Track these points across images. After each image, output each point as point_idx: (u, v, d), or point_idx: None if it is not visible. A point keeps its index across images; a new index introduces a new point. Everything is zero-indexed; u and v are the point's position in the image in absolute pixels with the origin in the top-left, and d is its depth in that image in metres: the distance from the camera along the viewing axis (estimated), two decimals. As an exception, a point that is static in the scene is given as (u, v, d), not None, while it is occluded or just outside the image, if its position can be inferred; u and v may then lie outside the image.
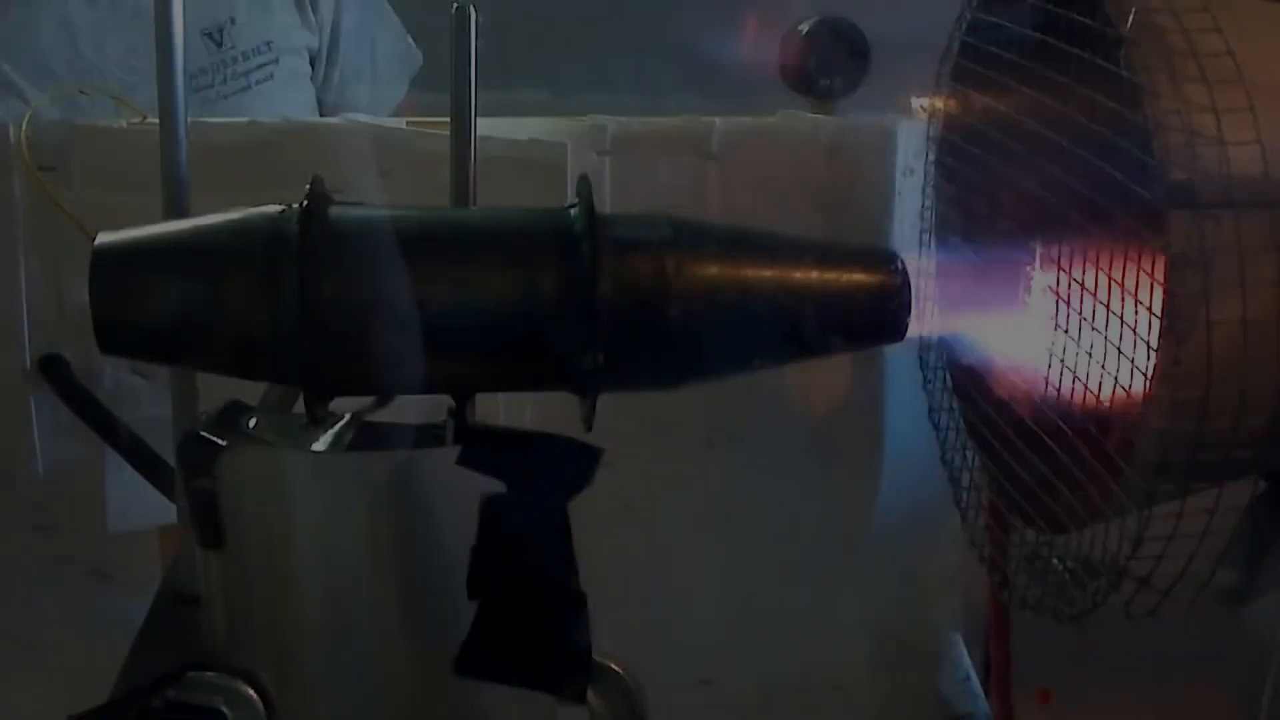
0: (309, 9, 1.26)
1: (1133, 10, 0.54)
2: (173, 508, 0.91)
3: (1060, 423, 0.64)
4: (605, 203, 0.93)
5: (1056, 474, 0.66)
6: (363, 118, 0.88)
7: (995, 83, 0.72)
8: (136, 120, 0.85)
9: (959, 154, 0.77)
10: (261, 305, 0.56)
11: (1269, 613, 0.72)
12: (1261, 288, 0.52)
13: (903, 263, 0.63)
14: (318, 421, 0.62)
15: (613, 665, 0.70)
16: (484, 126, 0.90)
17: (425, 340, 0.58)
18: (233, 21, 1.17)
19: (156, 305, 0.57)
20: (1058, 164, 0.63)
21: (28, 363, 0.88)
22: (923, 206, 0.81)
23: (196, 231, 0.58)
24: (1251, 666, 0.87)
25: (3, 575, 0.91)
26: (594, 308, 0.57)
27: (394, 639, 0.65)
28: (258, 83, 1.20)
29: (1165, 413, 0.53)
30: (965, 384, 0.78)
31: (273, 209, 0.59)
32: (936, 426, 0.82)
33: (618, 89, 0.94)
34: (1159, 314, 0.53)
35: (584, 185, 0.61)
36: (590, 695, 0.67)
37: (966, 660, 1.05)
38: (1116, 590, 0.60)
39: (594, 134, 0.90)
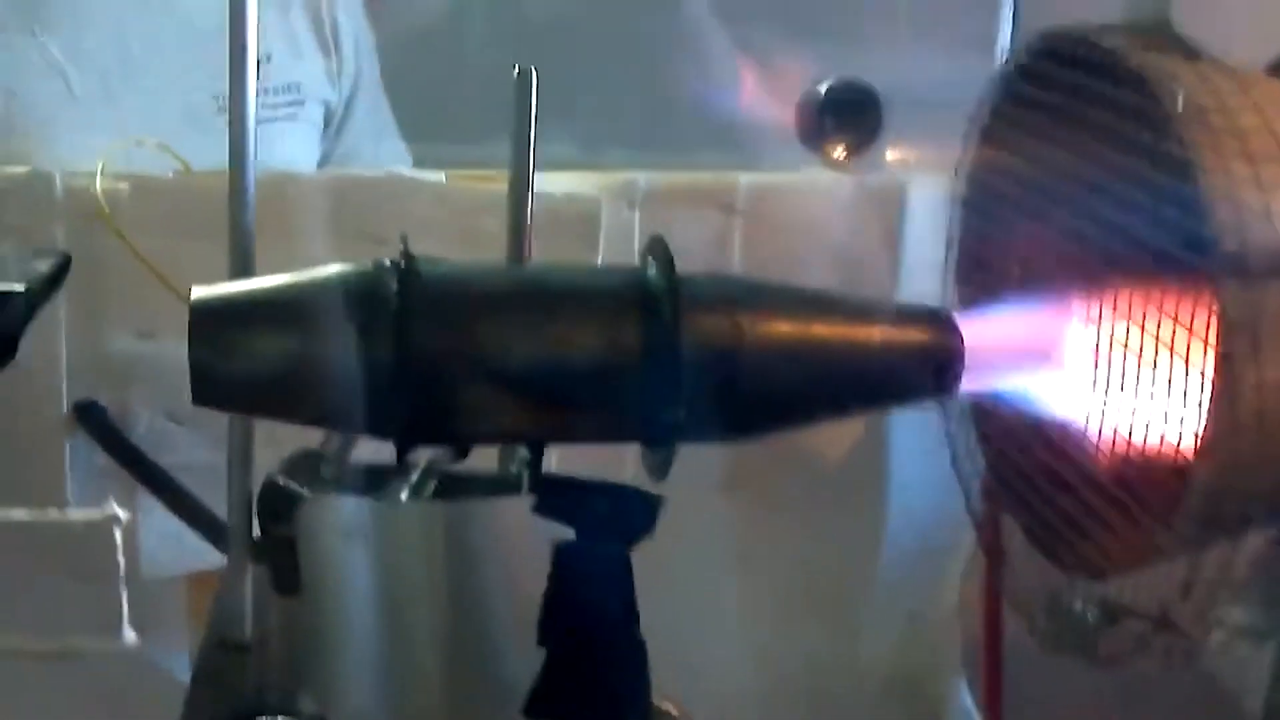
0: (334, 59, 1.30)
1: (1181, 91, 0.59)
2: (205, 553, 0.92)
3: (1097, 474, 0.68)
4: (635, 255, 0.97)
5: (1091, 521, 0.70)
6: (398, 170, 0.90)
7: (1025, 146, 0.76)
8: (180, 170, 0.87)
9: (984, 213, 0.81)
10: (359, 360, 0.59)
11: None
12: (1305, 351, 0.56)
13: (956, 322, 0.67)
14: (403, 471, 0.64)
15: (670, 708, 0.72)
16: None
17: (513, 393, 0.61)
18: (269, 59, 1.21)
19: (255, 359, 0.59)
20: (1098, 228, 0.67)
21: (65, 408, 0.89)
22: (945, 263, 0.85)
23: (293, 287, 0.60)
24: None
25: (36, 619, 0.91)
26: (676, 363, 0.60)
27: (461, 682, 0.67)
28: (282, 119, 1.24)
29: (1215, 469, 0.57)
30: (988, 433, 0.82)
31: (366, 265, 0.61)
32: (960, 475, 0.86)
33: (641, 144, 0.98)
34: (1211, 376, 0.57)
35: (659, 244, 0.64)
36: (649, 738, 0.70)
37: (970, 703, 1.08)
38: (1160, 635, 0.63)
39: (625, 189, 0.93)
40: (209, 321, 0.59)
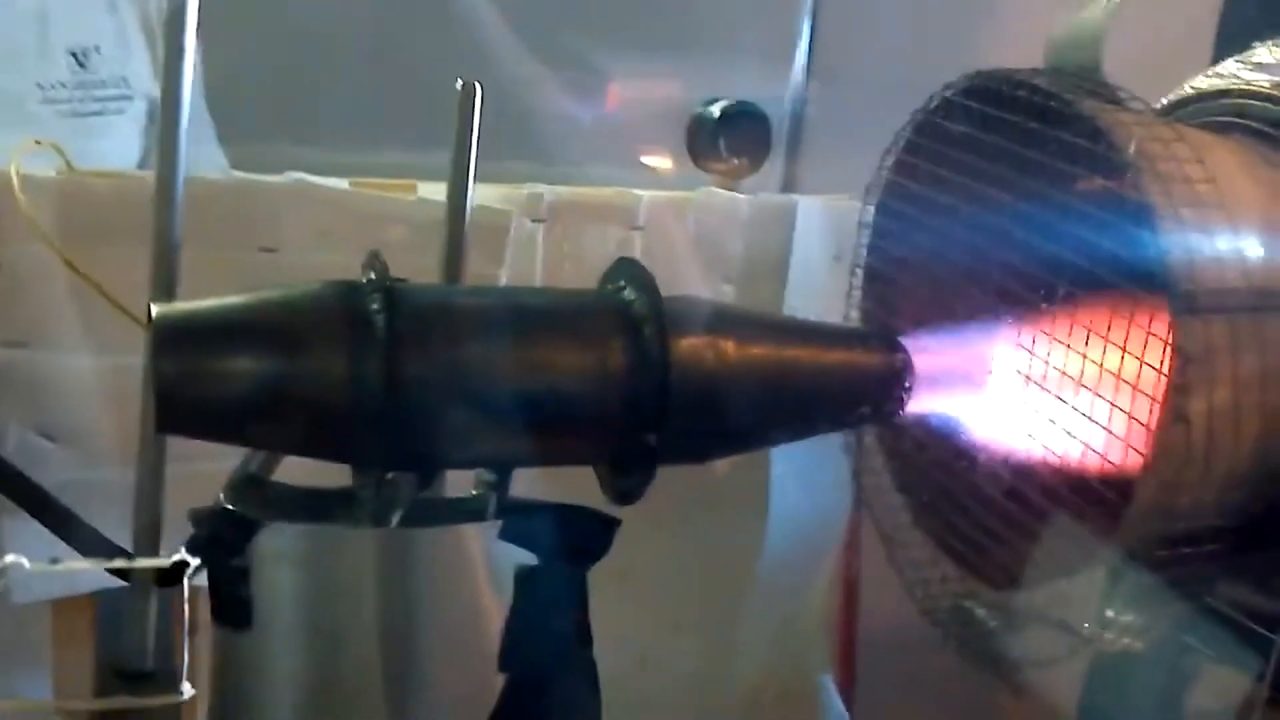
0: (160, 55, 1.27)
1: (1134, 139, 0.63)
2: (77, 578, 0.85)
3: (1024, 489, 0.72)
4: (537, 269, 0.96)
5: (1012, 533, 0.74)
6: (306, 177, 0.86)
7: (940, 177, 0.79)
8: (63, 169, 0.81)
9: (892, 236, 0.84)
10: (345, 386, 0.56)
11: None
12: (1246, 381, 0.61)
13: (904, 345, 0.69)
14: (358, 496, 0.62)
15: (620, 730, 0.72)
16: (427, 191, 0.91)
17: (499, 418, 0.59)
18: (98, 50, 1.18)
19: (229, 384, 0.55)
20: (1030, 259, 0.71)
21: (-73, 426, 0.81)
22: (850, 286, 0.88)
23: (268, 308, 0.57)
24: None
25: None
26: (664, 386, 0.60)
27: (410, 702, 0.64)
28: (112, 112, 1.21)
29: (1159, 488, 0.62)
30: (898, 448, 0.85)
31: (341, 284, 0.59)
32: (864, 489, 0.89)
33: (540, 157, 0.97)
34: (1161, 401, 0.61)
35: (632, 266, 0.63)
36: (600, 760, 0.70)
37: (838, 701, 1.12)
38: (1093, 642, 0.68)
39: (531, 202, 0.92)
40: (179, 343, 0.55)
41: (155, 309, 0.56)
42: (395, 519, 0.61)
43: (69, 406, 0.85)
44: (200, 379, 0.55)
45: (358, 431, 0.57)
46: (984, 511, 0.76)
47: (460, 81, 0.72)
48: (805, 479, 1.05)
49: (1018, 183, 0.73)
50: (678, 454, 0.63)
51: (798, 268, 1.01)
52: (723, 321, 0.64)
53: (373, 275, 0.59)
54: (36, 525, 0.86)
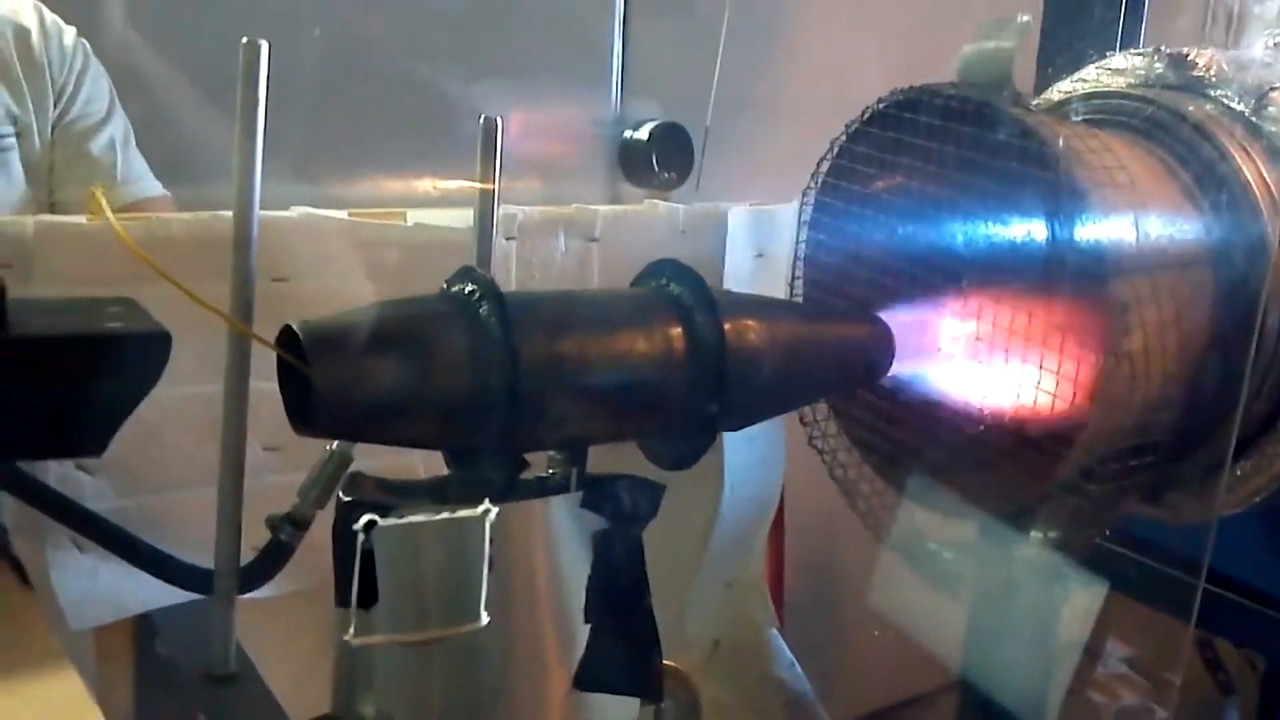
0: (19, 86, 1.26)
1: (1060, 139, 0.78)
2: (135, 599, 0.90)
3: (978, 432, 0.87)
4: (511, 279, 1.06)
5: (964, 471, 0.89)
6: (309, 210, 0.93)
7: (872, 179, 0.93)
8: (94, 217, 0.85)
9: (830, 230, 0.98)
10: (472, 383, 0.65)
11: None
12: (1163, 325, 0.77)
13: (885, 322, 0.83)
14: (454, 482, 0.71)
15: (676, 666, 0.83)
16: (416, 216, 1.00)
17: (590, 401, 0.70)
18: None
19: (377, 386, 0.64)
20: (971, 240, 0.85)
21: (-28, 465, 0.84)
22: (792, 278, 1.01)
23: (398, 320, 0.66)
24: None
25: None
26: (721, 365, 0.72)
27: (509, 658, 0.74)
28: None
29: (1103, 411, 0.77)
30: (852, 412, 0.98)
31: (453, 296, 0.68)
32: (820, 450, 1.02)
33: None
34: (1104, 346, 0.76)
35: (673, 264, 0.75)
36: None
37: (787, 651, 1.25)
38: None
39: (505, 222, 1.02)
40: (326, 355, 0.63)
41: (297, 327, 0.64)
42: (498, 498, 0.70)
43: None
44: (350, 384, 0.64)
45: (480, 419, 0.66)
46: (934, 453, 0.91)
47: (483, 116, 0.82)
48: (753, 451, 1.18)
49: (950, 177, 0.88)
50: (728, 421, 0.75)
51: (731, 265, 1.14)
52: (750, 307, 0.76)
53: (472, 286, 0.69)
54: (78, 557, 0.91)
